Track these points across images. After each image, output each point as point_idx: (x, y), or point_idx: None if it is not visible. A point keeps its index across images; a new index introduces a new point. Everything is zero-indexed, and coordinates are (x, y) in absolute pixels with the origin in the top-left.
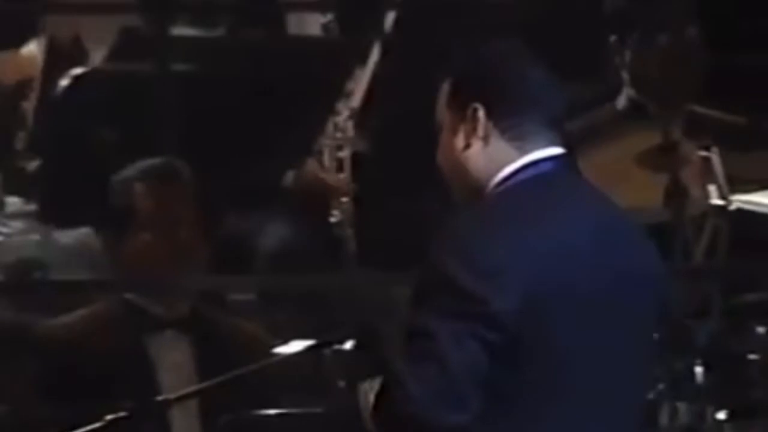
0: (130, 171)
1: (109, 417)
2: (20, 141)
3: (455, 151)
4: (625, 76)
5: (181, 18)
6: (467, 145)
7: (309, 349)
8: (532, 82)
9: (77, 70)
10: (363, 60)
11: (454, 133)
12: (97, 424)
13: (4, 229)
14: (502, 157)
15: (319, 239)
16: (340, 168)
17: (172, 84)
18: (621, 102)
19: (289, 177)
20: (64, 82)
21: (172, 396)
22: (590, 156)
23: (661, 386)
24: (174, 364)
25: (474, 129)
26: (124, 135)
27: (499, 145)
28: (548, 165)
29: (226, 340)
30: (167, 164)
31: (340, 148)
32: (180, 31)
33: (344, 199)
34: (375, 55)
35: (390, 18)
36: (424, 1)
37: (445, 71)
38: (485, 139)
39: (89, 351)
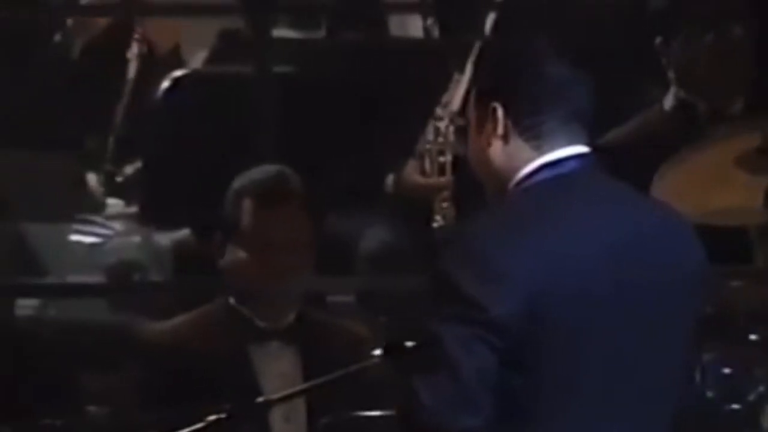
0: (244, 182)
1: (210, 418)
2: (114, 142)
3: (480, 150)
4: (671, 75)
5: (282, 20)
6: (489, 144)
7: (408, 351)
8: (550, 81)
9: (177, 73)
10: (463, 62)
11: (478, 131)
12: (197, 426)
13: (105, 231)
14: (520, 157)
15: (420, 243)
16: (441, 172)
17: (272, 86)
18: (668, 102)
19: (390, 180)
20: (164, 84)
21: (273, 397)
22: (689, 159)
23: (761, 388)
24: (280, 373)
25: (494, 128)
26: (224, 137)
27: (517, 144)
28: (570, 164)
29: (334, 344)
30: (281, 180)
31: (441, 152)
32: (280, 33)
33: (445, 204)
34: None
35: (490, 20)
36: (523, 2)
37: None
38: (504, 138)
39: (193, 355)
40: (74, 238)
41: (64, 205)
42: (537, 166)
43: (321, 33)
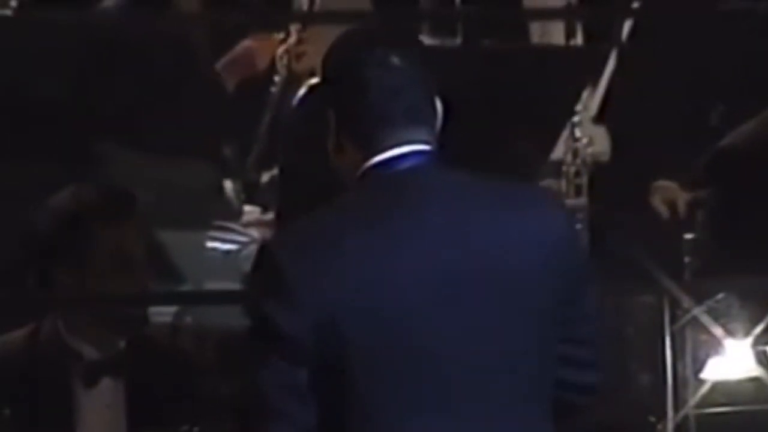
0: None
1: None
2: (258, 151)
3: (333, 157)
4: None
5: (418, 27)
6: (333, 151)
7: None
8: (373, 87)
9: (314, 80)
10: (601, 70)
11: (329, 139)
12: None
13: (242, 238)
14: (354, 162)
15: None
16: (578, 193)
17: None
18: None
19: None
20: (301, 91)
21: None
22: None
23: None
24: (107, 406)
25: (331, 134)
26: None
27: (350, 149)
28: (401, 163)
29: (161, 369)
30: None
31: (578, 174)
32: None
33: (579, 226)
34: (611, 65)
35: (627, 26)
36: (661, 9)
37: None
38: (340, 144)
39: None
40: (211, 245)
41: (201, 212)
42: (365, 169)
43: (457, 40)
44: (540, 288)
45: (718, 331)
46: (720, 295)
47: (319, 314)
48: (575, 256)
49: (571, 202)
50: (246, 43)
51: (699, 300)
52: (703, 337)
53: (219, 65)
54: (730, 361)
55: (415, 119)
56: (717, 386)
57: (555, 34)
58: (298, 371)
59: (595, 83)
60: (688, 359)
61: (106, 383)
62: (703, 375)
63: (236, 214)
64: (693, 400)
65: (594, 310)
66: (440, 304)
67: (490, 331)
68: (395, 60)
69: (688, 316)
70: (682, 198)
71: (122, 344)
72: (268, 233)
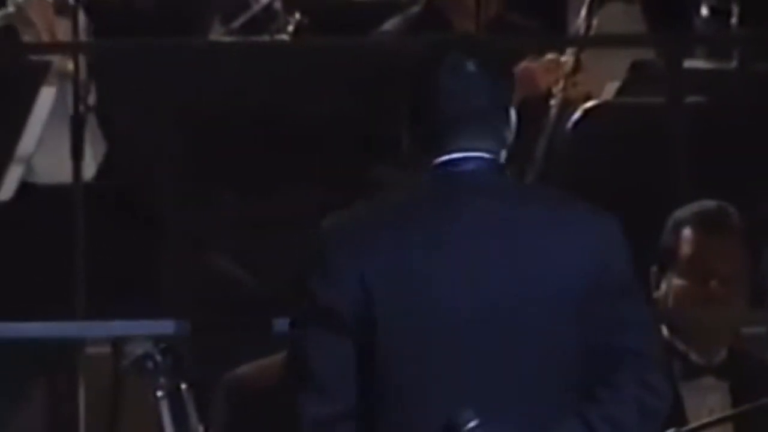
0: (684, 213)
1: None
2: (533, 174)
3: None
4: None
5: (694, 50)
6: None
7: None
8: (441, 90)
9: (589, 104)
10: None
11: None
12: None
13: None
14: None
15: None
16: None
17: (684, 116)
18: None
19: None
20: (575, 115)
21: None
22: None
23: None
24: (710, 410)
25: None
26: (635, 167)
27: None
28: (460, 166)
29: (763, 381)
30: (720, 213)
31: None
32: (692, 63)
33: None
34: None
35: None
36: None
37: None
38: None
39: None
40: None
41: None
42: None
43: (733, 63)
44: (574, 293)
45: None
46: None
47: (356, 291)
48: (618, 267)
49: None
50: (525, 64)
51: None
52: None
53: None
54: None
55: (481, 126)
56: None
57: None
58: (342, 344)
59: None
60: None
61: None
62: None
63: None
64: None
65: (638, 320)
66: (468, 298)
67: (518, 338)
68: (469, 67)
69: None
70: None
71: None
72: None
